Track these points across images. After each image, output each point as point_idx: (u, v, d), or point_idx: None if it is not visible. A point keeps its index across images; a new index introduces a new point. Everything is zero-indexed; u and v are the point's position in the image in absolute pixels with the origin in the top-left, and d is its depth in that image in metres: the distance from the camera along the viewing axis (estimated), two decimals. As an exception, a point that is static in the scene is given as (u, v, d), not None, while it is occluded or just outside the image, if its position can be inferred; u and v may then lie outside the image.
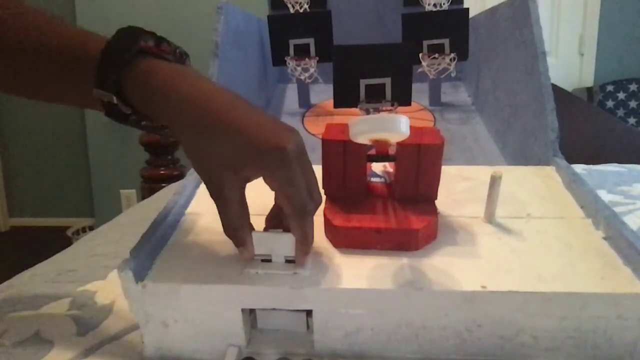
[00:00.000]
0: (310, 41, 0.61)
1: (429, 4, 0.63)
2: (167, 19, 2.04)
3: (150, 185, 1.60)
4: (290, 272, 0.27)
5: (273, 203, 0.30)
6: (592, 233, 0.30)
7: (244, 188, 0.27)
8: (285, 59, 0.61)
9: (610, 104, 2.13)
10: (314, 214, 0.26)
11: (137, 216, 0.62)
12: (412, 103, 0.55)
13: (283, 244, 0.26)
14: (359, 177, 0.31)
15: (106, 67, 0.27)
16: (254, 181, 0.37)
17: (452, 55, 0.59)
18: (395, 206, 0.30)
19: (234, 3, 0.50)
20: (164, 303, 0.27)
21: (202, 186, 0.37)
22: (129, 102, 0.28)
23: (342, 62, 0.48)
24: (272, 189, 0.26)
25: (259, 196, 0.35)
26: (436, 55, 0.60)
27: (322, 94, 0.67)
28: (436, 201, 0.31)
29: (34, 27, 0.29)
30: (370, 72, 0.49)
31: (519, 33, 0.48)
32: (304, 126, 0.61)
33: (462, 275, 0.26)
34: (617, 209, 0.44)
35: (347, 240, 0.29)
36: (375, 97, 0.49)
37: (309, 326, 0.28)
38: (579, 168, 0.70)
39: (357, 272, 0.27)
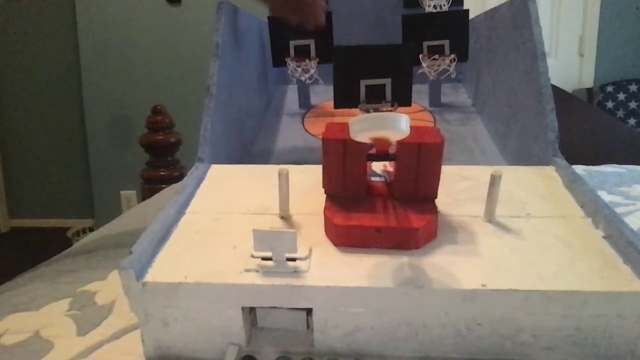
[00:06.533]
0: (311, 42, 0.61)
1: (429, 6, 0.63)
2: (167, 19, 2.05)
3: (150, 187, 1.61)
4: (291, 271, 0.27)
5: (273, 203, 0.30)
6: (591, 232, 0.30)
7: None
8: (286, 59, 0.61)
9: (610, 104, 2.14)
10: None
11: (137, 217, 0.62)
12: (412, 104, 0.55)
13: (284, 242, 0.26)
14: (359, 176, 0.31)
15: None
16: (254, 180, 0.38)
17: (452, 56, 0.59)
18: (395, 205, 0.30)
19: (235, 3, 0.50)
20: (164, 301, 0.27)
21: (203, 186, 0.37)
22: None
23: (342, 63, 0.48)
24: None
25: (259, 196, 0.35)
26: (436, 56, 0.60)
27: (323, 95, 0.67)
28: (436, 200, 0.31)
29: None
30: (371, 73, 0.49)
31: (518, 34, 0.48)
32: (304, 127, 0.61)
33: (462, 274, 0.26)
34: (617, 210, 0.45)
35: (347, 238, 0.29)
36: (376, 97, 0.49)
37: (309, 325, 0.28)
38: (578, 169, 0.70)
39: (357, 271, 0.27)
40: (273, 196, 0.33)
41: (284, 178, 0.31)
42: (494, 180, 0.30)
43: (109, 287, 0.40)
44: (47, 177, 2.26)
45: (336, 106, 0.49)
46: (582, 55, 2.21)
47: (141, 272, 0.27)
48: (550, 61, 0.40)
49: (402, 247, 0.28)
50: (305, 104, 0.66)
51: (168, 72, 2.06)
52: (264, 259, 0.27)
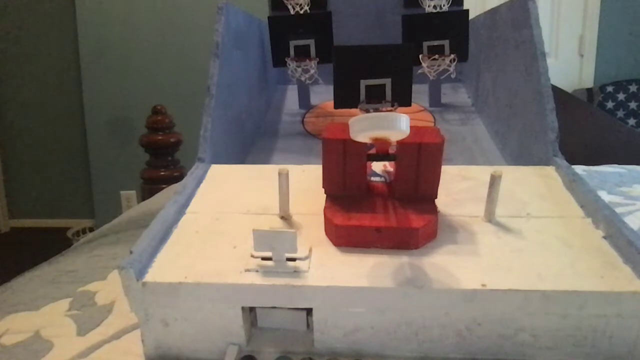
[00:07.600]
0: (311, 42, 0.61)
1: (429, 6, 0.63)
2: (167, 19, 2.05)
3: (150, 187, 1.60)
4: (291, 271, 0.27)
5: (273, 203, 0.30)
6: (591, 232, 0.30)
7: None
8: (286, 60, 0.61)
9: (610, 104, 2.14)
10: None
11: (137, 217, 0.62)
12: (412, 104, 0.55)
13: (284, 242, 0.26)
14: (359, 176, 0.31)
15: None
16: (254, 180, 0.37)
17: (452, 56, 0.59)
18: (395, 205, 0.30)
19: (234, 3, 0.50)
20: (164, 301, 0.27)
21: (203, 186, 0.37)
22: None
23: (342, 63, 0.48)
24: None
25: (259, 196, 0.35)
26: (436, 56, 0.60)
27: (323, 95, 0.67)
28: (436, 200, 0.31)
29: None
30: (371, 73, 0.49)
31: (518, 34, 0.48)
32: (304, 127, 0.61)
33: (462, 274, 0.26)
34: (617, 210, 0.45)
35: (347, 238, 0.29)
36: (376, 97, 0.49)
37: (309, 325, 0.28)
38: (579, 169, 0.70)
39: (357, 271, 0.27)
40: (273, 196, 0.33)
41: (284, 178, 0.31)
42: (494, 180, 0.30)
43: (109, 287, 0.40)
44: (47, 177, 2.26)
45: (336, 106, 0.49)
46: (582, 55, 2.21)
47: (141, 272, 0.27)
48: (550, 61, 0.40)
49: (402, 247, 0.28)
50: (305, 104, 0.66)
51: (168, 72, 2.06)
52: (264, 259, 0.27)
